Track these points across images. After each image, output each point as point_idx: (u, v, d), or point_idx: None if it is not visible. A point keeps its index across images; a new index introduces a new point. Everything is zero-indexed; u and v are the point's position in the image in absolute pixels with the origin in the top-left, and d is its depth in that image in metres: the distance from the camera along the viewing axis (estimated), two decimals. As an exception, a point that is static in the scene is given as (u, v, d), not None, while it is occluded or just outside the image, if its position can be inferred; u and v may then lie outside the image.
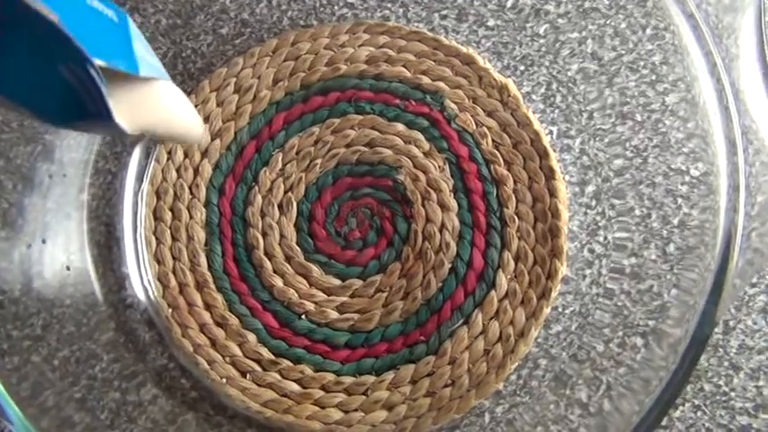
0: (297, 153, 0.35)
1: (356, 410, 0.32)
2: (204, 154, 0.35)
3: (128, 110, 0.19)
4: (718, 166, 0.27)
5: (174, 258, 0.34)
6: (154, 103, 0.21)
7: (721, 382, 0.34)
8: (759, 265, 0.26)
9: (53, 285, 0.32)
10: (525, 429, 0.31)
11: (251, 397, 0.33)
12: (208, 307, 0.34)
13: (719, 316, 0.25)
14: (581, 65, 0.33)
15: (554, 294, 0.33)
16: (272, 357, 0.33)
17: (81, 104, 0.18)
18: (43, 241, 0.32)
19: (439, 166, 0.34)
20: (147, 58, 0.21)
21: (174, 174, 0.35)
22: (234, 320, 0.34)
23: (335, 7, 0.36)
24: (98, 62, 0.18)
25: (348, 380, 0.33)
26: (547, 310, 0.33)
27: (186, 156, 0.35)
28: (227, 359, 0.33)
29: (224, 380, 0.33)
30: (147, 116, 0.21)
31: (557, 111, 0.34)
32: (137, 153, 0.35)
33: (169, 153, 0.35)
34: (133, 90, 0.20)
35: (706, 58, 0.27)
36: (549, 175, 0.34)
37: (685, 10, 0.27)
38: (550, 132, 0.34)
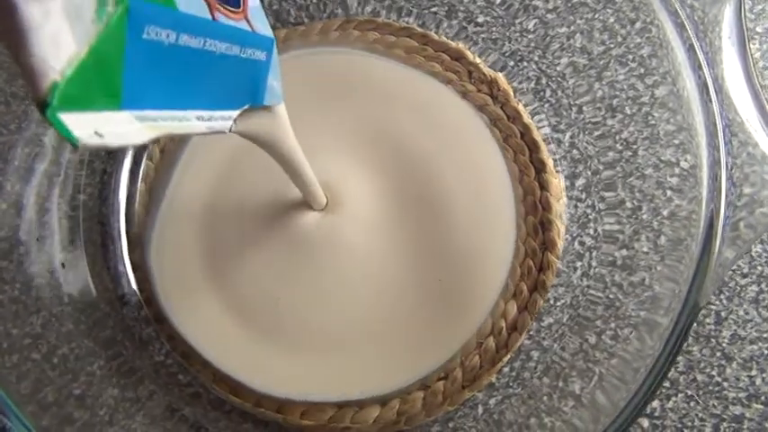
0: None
1: (349, 405, 0.33)
2: (198, 152, 0.35)
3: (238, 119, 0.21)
4: (701, 157, 0.27)
5: (168, 256, 0.35)
6: (262, 119, 0.23)
7: (714, 373, 0.34)
8: (742, 252, 0.26)
9: (51, 284, 0.32)
10: (519, 421, 0.31)
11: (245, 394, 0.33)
12: (203, 304, 0.34)
13: (702, 300, 0.26)
14: (570, 59, 0.34)
15: (548, 286, 0.33)
16: (267, 353, 0.33)
17: None
18: (39, 240, 0.32)
19: (430, 162, 0.34)
20: (274, 85, 0.23)
21: (168, 172, 0.35)
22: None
23: (328, 5, 0.36)
24: (236, 113, 0.20)
25: (342, 374, 0.33)
26: (541, 303, 0.33)
27: (180, 154, 0.35)
28: (222, 355, 0.34)
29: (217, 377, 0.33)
30: (253, 126, 0.22)
31: (546, 105, 0.35)
32: (131, 152, 0.35)
33: (162, 151, 0.35)
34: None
35: (688, 54, 0.27)
36: (540, 168, 0.34)
37: (668, 6, 0.27)
38: (540, 127, 0.35)
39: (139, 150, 0.35)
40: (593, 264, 0.33)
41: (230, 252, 0.33)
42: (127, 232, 0.35)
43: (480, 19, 0.35)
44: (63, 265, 0.33)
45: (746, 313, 0.34)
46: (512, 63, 0.35)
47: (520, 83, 0.35)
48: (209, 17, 0.18)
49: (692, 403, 0.34)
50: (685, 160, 0.30)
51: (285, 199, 0.32)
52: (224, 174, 0.34)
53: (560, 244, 0.33)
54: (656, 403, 0.34)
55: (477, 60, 0.35)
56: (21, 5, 0.12)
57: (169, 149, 0.35)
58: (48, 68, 0.12)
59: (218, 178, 0.34)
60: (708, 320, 0.34)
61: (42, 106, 0.13)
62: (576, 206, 0.34)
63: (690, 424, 0.34)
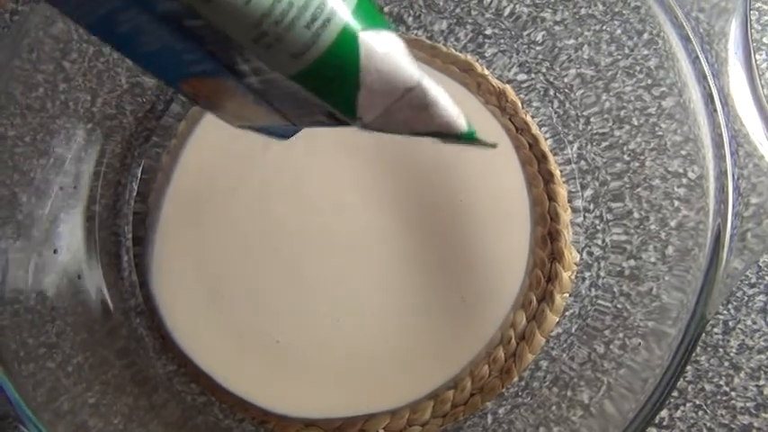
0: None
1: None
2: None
3: None
4: (708, 168, 0.27)
5: (181, 266, 0.35)
6: None
7: (722, 382, 0.34)
8: (750, 263, 0.26)
9: (66, 294, 0.33)
10: (527, 430, 0.32)
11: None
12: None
13: (710, 312, 0.26)
14: (578, 71, 0.34)
15: (557, 297, 0.33)
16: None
17: None
18: (56, 251, 0.32)
19: (439, 173, 0.35)
20: None
21: (181, 184, 0.35)
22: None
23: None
24: None
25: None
26: (549, 313, 0.33)
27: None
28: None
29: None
30: None
31: (554, 116, 0.35)
32: (142, 163, 0.36)
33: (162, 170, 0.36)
34: None
35: (693, 65, 0.27)
36: (549, 178, 0.34)
37: (674, 19, 0.28)
38: (548, 138, 0.35)
39: (149, 160, 0.36)
40: (602, 274, 0.33)
41: (230, 277, 0.33)
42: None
43: (488, 31, 0.35)
44: (79, 276, 0.33)
45: (754, 323, 0.34)
46: (520, 75, 0.35)
47: (527, 94, 0.35)
48: None
49: (700, 413, 0.34)
50: (692, 171, 0.30)
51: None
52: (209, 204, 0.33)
53: (568, 254, 0.34)
54: (664, 413, 0.34)
55: (486, 72, 0.35)
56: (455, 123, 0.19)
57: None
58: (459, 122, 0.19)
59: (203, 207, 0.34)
60: (716, 330, 0.34)
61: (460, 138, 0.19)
62: (584, 217, 0.34)
63: (698, 433, 0.34)
